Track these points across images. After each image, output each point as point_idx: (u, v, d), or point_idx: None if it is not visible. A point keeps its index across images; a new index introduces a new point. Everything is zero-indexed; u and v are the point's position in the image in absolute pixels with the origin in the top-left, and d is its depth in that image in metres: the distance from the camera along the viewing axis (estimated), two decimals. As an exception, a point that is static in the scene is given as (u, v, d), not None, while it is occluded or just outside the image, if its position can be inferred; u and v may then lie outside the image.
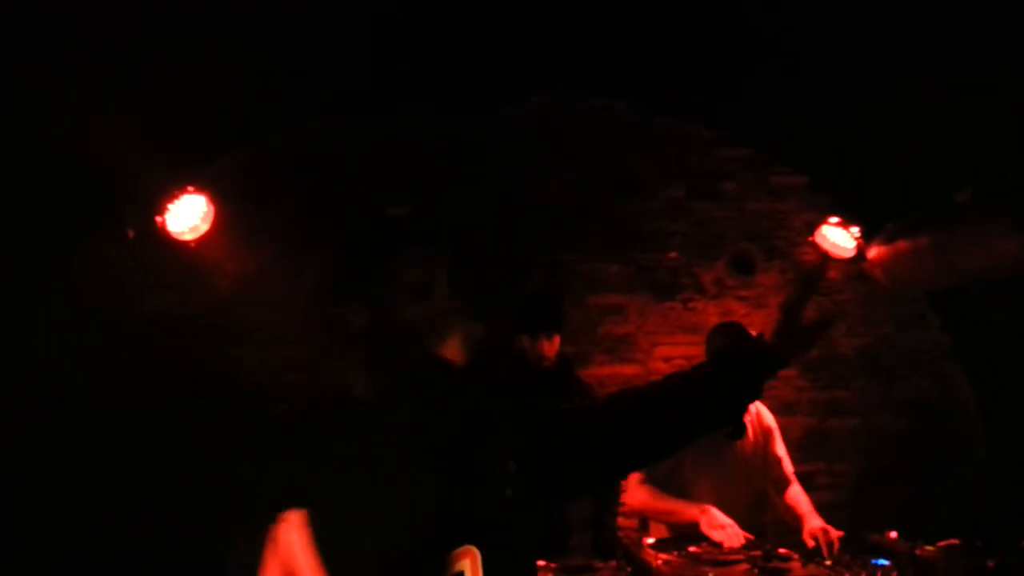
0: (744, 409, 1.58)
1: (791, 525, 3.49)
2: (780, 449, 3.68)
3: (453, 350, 1.42)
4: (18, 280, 3.95)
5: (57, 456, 4.28)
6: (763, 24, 3.97)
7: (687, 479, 3.48)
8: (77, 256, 4.39)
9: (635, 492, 3.56)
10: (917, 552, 3.02)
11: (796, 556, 3.04)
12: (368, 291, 1.48)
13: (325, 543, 1.25)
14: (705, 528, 3.24)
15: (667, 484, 3.49)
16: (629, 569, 3.07)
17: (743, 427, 3.51)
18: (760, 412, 3.69)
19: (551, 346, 3.70)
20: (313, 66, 4.10)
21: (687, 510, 3.35)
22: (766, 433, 3.67)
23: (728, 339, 3.48)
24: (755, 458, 3.59)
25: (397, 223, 1.52)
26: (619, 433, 1.52)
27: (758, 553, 2.98)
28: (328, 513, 1.28)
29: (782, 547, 3.09)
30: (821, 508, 3.54)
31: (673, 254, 5.00)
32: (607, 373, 4.85)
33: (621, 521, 4.34)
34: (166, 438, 4.36)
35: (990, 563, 2.91)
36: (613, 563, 3.03)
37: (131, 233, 3.91)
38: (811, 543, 3.23)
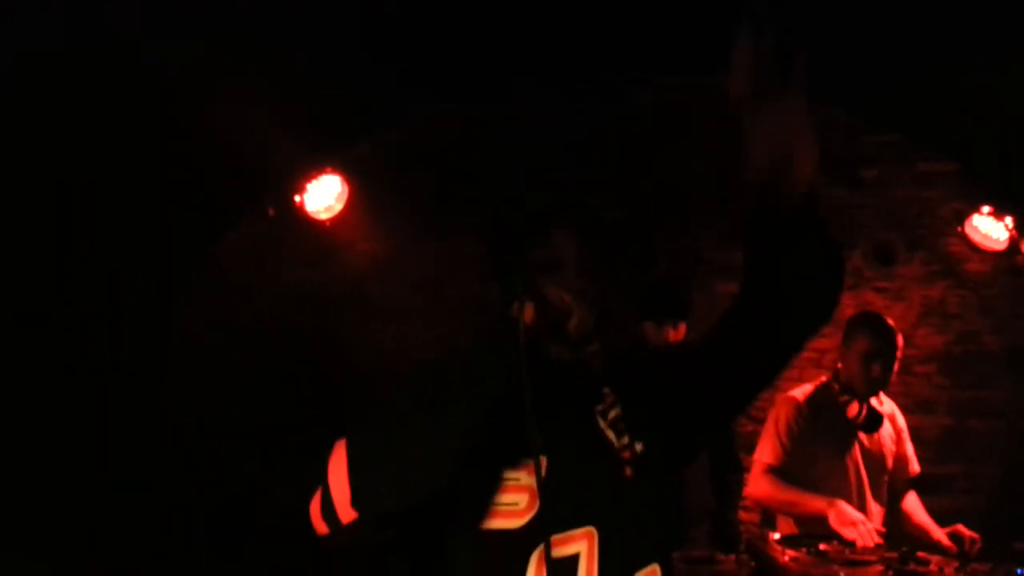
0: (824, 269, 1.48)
1: (908, 533, 3.36)
2: (910, 450, 3.54)
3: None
4: (169, 258, 4.18)
5: (199, 420, 4.52)
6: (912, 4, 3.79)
7: (818, 474, 3.36)
8: (224, 235, 4.61)
9: (758, 482, 3.44)
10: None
11: (935, 558, 2.90)
12: (502, 265, 1.51)
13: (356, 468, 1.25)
14: (834, 523, 3.09)
15: (795, 479, 3.37)
16: (753, 564, 3.00)
17: (879, 418, 3.38)
18: (895, 411, 3.55)
19: (676, 334, 3.65)
20: (447, 51, 4.16)
21: (813, 502, 3.21)
22: (899, 432, 3.52)
23: (871, 331, 3.36)
24: (889, 457, 3.46)
25: (534, 206, 1.52)
26: (714, 359, 1.51)
27: (894, 555, 2.86)
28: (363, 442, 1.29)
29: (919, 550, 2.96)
30: (958, 513, 3.40)
31: (807, 243, 4.84)
32: (734, 363, 4.75)
33: (743, 515, 4.28)
34: (299, 408, 4.54)
35: None
36: (734, 556, 2.97)
37: (272, 212, 4.08)
38: (950, 544, 3.09)
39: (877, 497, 3.39)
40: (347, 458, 1.25)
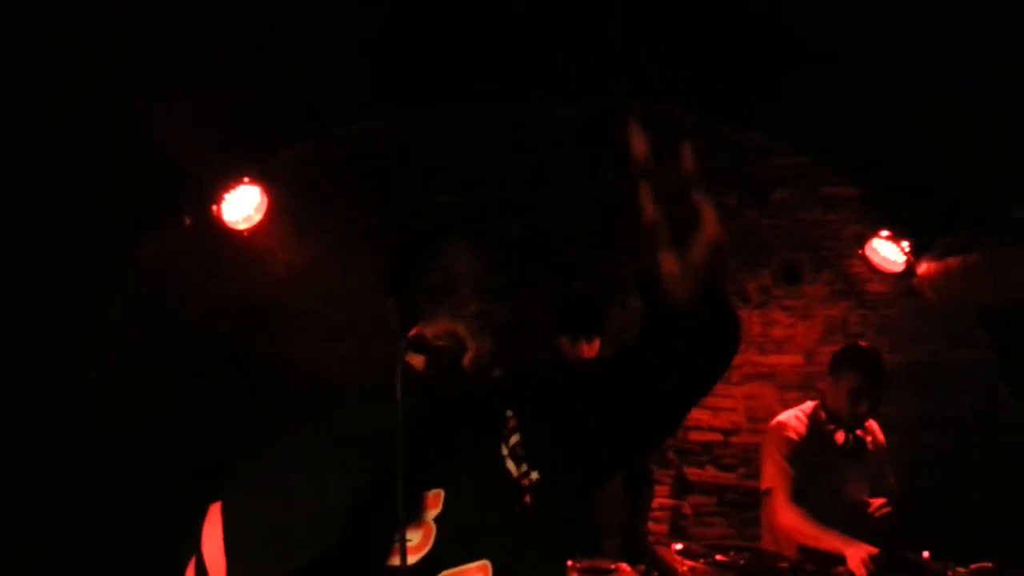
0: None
1: None
2: (889, 468, 3.59)
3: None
4: (83, 266, 4.11)
5: (116, 438, 4.44)
6: (818, 33, 3.96)
7: (809, 500, 3.40)
8: (140, 243, 4.54)
9: (783, 513, 3.43)
10: (948, 573, 3.00)
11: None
12: (399, 288, 1.43)
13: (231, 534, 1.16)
14: (851, 564, 3.10)
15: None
16: (655, 574, 3.10)
17: (864, 445, 3.46)
18: (875, 429, 3.60)
19: (590, 349, 3.73)
20: (367, 59, 4.17)
21: (832, 540, 3.21)
22: (882, 453, 3.59)
23: (859, 369, 3.39)
24: (874, 479, 3.49)
25: (439, 219, 1.44)
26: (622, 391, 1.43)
27: (784, 564, 2.99)
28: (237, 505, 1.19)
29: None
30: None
31: (719, 261, 4.98)
32: (647, 377, 4.87)
33: (652, 526, 4.39)
34: (217, 422, 4.50)
35: (1021, 589, 2.89)
36: (641, 567, 3.06)
37: (188, 222, 4.05)
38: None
39: (847, 517, 3.37)
40: (222, 525, 1.16)
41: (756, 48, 4.16)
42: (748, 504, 4.85)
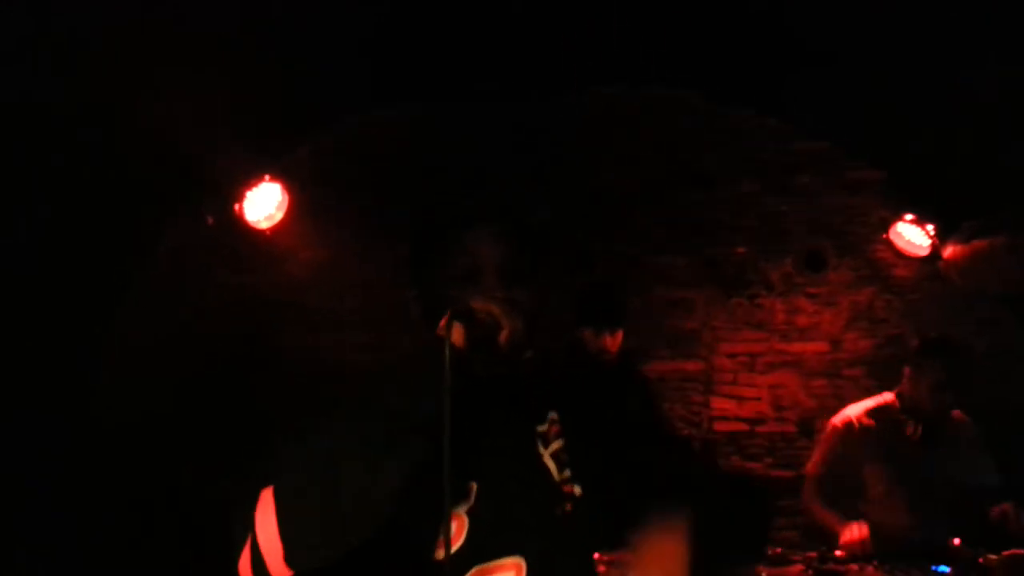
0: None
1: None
2: (985, 464, 3.51)
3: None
4: (106, 263, 4.15)
5: (137, 430, 4.48)
6: (842, 17, 3.91)
7: (865, 487, 3.46)
8: (161, 241, 4.57)
9: (807, 498, 3.57)
10: (980, 560, 2.97)
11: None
12: (422, 278, 1.45)
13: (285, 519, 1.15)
14: (841, 540, 3.19)
15: (838, 492, 3.48)
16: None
17: (939, 436, 3.43)
18: (961, 420, 3.55)
19: (613, 341, 3.72)
20: (370, 57, 4.17)
21: (833, 522, 3.32)
22: (975, 447, 3.52)
23: (945, 363, 3.39)
24: (957, 474, 3.44)
25: (461, 210, 1.46)
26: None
27: (813, 554, 2.97)
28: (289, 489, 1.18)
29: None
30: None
31: (741, 249, 4.96)
32: (669, 368, 4.86)
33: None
34: (238, 416, 4.52)
35: (1055, 575, 2.86)
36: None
37: (210, 220, 4.07)
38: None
39: (930, 508, 3.38)
40: (276, 510, 1.15)
41: (774, 35, 4.12)
42: (775, 494, 4.82)
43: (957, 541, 3.14)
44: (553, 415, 1.44)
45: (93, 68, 3.20)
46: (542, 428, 1.43)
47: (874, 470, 3.46)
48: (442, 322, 1.21)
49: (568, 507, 1.36)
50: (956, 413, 3.55)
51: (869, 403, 3.60)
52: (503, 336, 1.24)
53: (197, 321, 4.70)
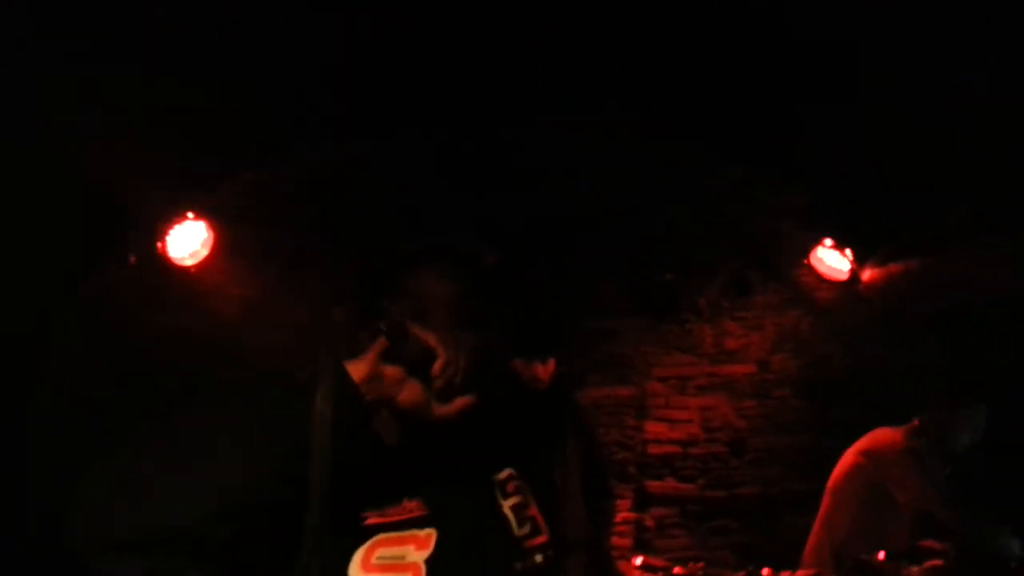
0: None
1: None
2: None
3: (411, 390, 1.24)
4: (25, 305, 4.04)
5: (67, 476, 4.35)
6: (761, 46, 4.04)
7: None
8: (84, 281, 4.47)
9: None
10: (903, 573, 3.06)
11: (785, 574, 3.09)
12: (369, 316, 1.38)
13: None
14: None
15: None
16: (617, 590, 3.12)
17: None
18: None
19: (545, 369, 3.74)
20: (311, 90, 4.18)
21: None
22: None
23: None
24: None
25: (409, 249, 1.44)
26: None
27: (743, 573, 3.02)
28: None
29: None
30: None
31: (670, 276, 5.04)
32: (603, 394, 4.90)
33: (616, 540, 4.40)
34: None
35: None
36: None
37: (133, 259, 4.00)
38: None
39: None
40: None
41: (698, 61, 4.23)
42: (709, 514, 4.89)
43: (882, 555, 3.22)
44: (509, 471, 1.42)
45: (6, 104, 3.14)
46: (500, 477, 1.40)
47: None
48: (364, 356, 1.18)
49: (530, 562, 1.33)
50: None
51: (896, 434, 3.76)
52: (437, 365, 1.21)
53: (124, 362, 4.59)
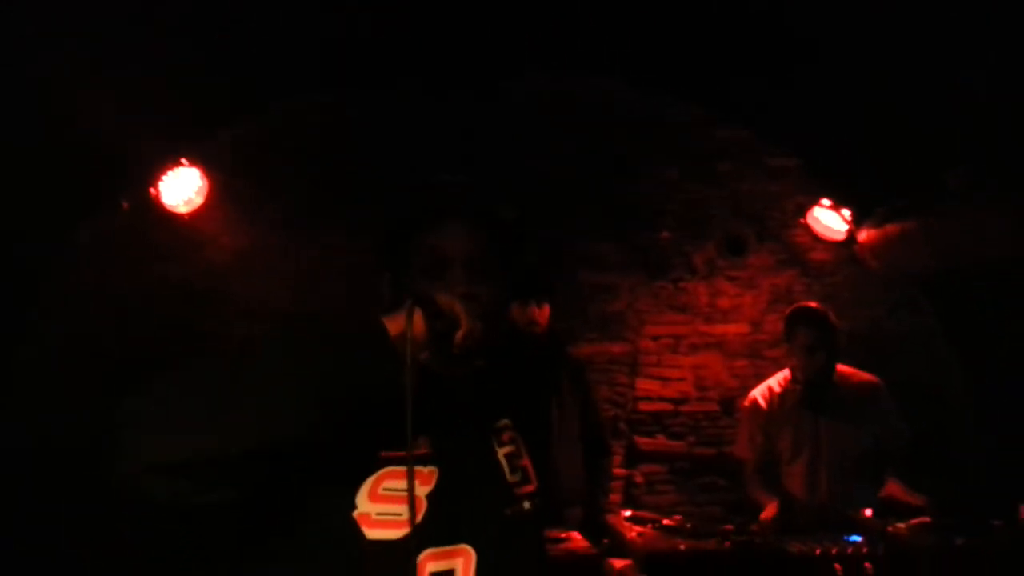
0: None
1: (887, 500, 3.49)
2: (893, 424, 3.63)
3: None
4: (18, 254, 4.02)
5: (58, 420, 4.35)
6: (758, 6, 3.99)
7: (781, 454, 3.62)
8: (76, 229, 4.44)
9: (747, 483, 3.70)
10: (888, 529, 3.08)
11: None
12: (392, 265, 1.48)
13: None
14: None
15: (772, 466, 3.64)
16: (606, 540, 3.14)
17: (824, 400, 3.56)
18: (878, 391, 3.67)
19: (541, 313, 3.74)
20: (310, 39, 4.13)
21: (761, 499, 3.48)
22: (880, 410, 3.63)
23: (808, 325, 3.55)
24: (853, 435, 3.56)
25: (433, 202, 1.47)
26: None
27: (730, 527, 3.05)
28: None
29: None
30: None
31: (665, 234, 5.03)
32: (596, 351, 4.91)
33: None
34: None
35: (958, 541, 2.97)
36: (604, 541, 3.12)
37: (126, 206, 3.97)
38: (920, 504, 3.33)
39: (832, 470, 3.53)
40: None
41: (697, 21, 4.19)
42: (697, 471, 4.92)
43: (868, 512, 3.25)
44: (505, 421, 1.49)
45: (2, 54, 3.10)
46: (496, 425, 1.48)
47: (783, 443, 3.58)
48: (402, 312, 1.25)
49: (519, 508, 1.41)
50: (860, 377, 3.68)
51: (770, 380, 3.73)
52: (459, 335, 1.27)
53: (117, 311, 4.58)
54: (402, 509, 1.28)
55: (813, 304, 3.78)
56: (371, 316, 1.26)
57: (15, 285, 4.19)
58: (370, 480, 1.32)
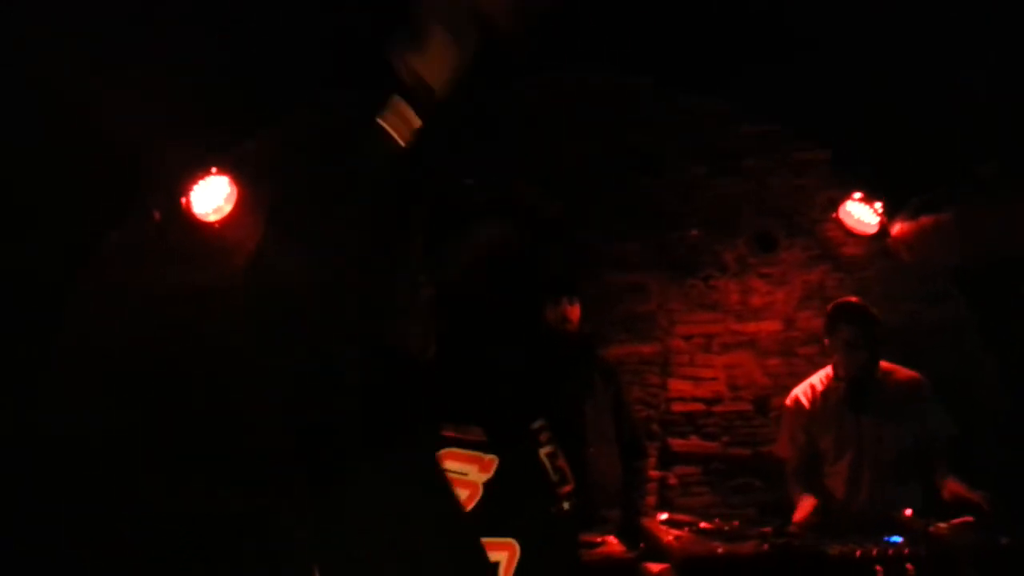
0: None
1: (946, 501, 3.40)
2: (936, 423, 3.57)
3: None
4: (50, 262, 4.06)
5: (92, 432, 4.39)
6: (782, 4, 3.95)
7: (822, 453, 3.58)
8: (106, 237, 4.48)
9: (790, 482, 3.66)
10: (930, 530, 3.04)
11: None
12: (435, 266, 1.48)
13: None
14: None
15: (813, 466, 3.60)
16: (643, 545, 3.12)
17: (866, 399, 3.51)
18: (921, 388, 3.63)
19: (573, 309, 3.72)
20: (330, 44, 4.13)
21: (796, 498, 3.45)
22: (922, 408, 3.58)
23: (850, 321, 3.52)
24: (894, 434, 3.52)
25: (475, 201, 1.49)
26: None
27: (768, 529, 3.01)
28: None
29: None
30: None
31: (694, 232, 4.99)
32: (626, 352, 4.88)
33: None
34: (190, 412, 4.46)
35: (1003, 540, 2.92)
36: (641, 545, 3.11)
37: (157, 215, 4.00)
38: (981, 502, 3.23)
39: (875, 470, 3.49)
40: None
41: (723, 17, 4.15)
42: (732, 472, 4.88)
43: (909, 512, 3.21)
44: (542, 421, 1.50)
45: (30, 60, 3.12)
46: (534, 426, 1.48)
47: (825, 442, 3.53)
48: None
49: (559, 507, 1.42)
50: (903, 374, 3.62)
51: (812, 378, 3.67)
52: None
53: (147, 319, 4.61)
54: (463, 493, 1.31)
55: (854, 299, 3.74)
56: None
57: (42, 295, 4.22)
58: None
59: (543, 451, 1.46)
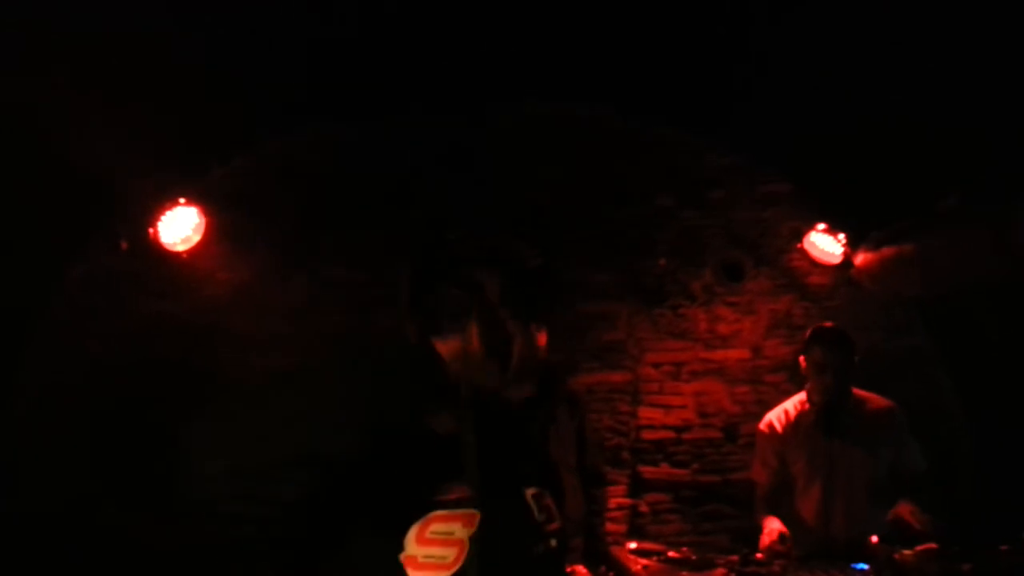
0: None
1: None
2: (908, 451, 3.58)
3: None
4: (14, 290, 4.01)
5: (54, 461, 4.33)
6: (750, 35, 4.03)
7: (794, 478, 3.58)
8: (72, 266, 4.44)
9: (758, 506, 3.67)
10: (895, 556, 3.06)
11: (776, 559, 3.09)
12: (417, 315, 1.50)
13: None
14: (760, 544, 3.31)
15: (784, 489, 3.61)
16: (611, 574, 3.13)
17: (838, 423, 3.51)
18: (894, 416, 3.62)
19: (542, 336, 3.72)
20: (302, 74, 4.14)
21: (763, 522, 3.45)
22: (894, 435, 3.57)
23: (822, 344, 3.53)
24: (866, 458, 3.51)
25: (461, 251, 1.52)
26: None
27: (735, 557, 3.03)
28: None
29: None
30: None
31: (662, 261, 5.04)
32: (596, 380, 4.90)
33: (610, 527, 4.40)
34: (157, 442, 4.41)
35: (965, 567, 2.95)
36: (601, 569, 3.10)
37: (124, 245, 3.97)
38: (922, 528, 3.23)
39: (846, 496, 3.49)
40: None
41: (689, 50, 4.22)
42: (702, 499, 4.90)
43: (875, 539, 3.23)
44: (527, 466, 1.56)
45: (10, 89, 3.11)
46: (522, 470, 1.53)
47: (797, 467, 3.56)
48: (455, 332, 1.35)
49: (546, 546, 1.45)
50: (877, 402, 3.64)
51: (786, 403, 3.71)
52: (516, 348, 1.36)
53: (114, 350, 4.56)
54: (448, 552, 1.34)
55: (828, 324, 3.79)
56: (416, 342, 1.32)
57: (10, 321, 4.17)
58: (417, 525, 1.37)
59: (529, 492, 1.49)
